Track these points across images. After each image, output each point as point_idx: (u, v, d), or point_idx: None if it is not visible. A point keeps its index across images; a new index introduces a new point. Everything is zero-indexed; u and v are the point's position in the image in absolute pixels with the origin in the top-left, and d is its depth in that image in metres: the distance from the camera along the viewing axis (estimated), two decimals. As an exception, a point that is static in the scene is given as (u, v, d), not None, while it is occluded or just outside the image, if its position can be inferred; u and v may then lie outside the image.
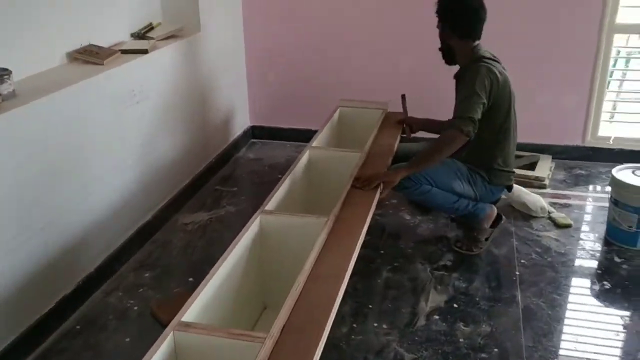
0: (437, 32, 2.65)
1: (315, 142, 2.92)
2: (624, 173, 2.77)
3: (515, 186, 3.15)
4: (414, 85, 3.54)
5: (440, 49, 2.70)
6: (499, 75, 2.52)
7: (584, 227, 2.96)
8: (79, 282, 2.41)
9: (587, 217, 3.07)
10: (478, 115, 2.45)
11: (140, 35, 3.01)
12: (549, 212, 3.06)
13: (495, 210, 2.76)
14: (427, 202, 2.74)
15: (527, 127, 3.83)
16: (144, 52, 2.77)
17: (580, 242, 2.84)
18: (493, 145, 2.65)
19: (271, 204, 2.23)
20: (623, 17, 3.45)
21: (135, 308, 2.41)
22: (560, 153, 3.72)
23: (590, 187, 3.41)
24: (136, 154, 2.76)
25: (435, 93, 3.37)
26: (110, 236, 2.61)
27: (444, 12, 2.58)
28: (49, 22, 2.43)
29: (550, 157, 3.66)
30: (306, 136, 3.28)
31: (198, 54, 3.32)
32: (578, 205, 3.20)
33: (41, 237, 2.18)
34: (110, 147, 2.55)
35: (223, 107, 3.74)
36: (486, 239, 2.74)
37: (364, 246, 2.76)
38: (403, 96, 3.16)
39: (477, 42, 2.61)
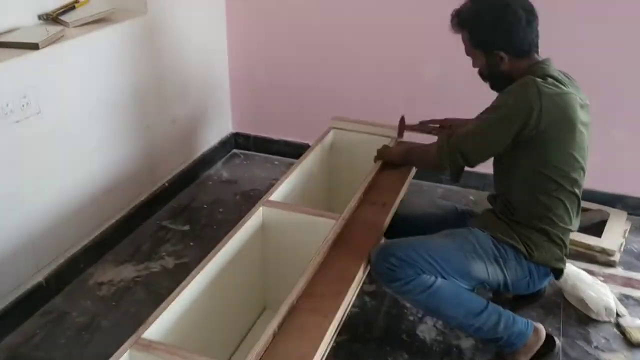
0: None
1: (283, 186, 2.03)
2: None
3: (572, 269, 2.17)
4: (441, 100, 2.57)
5: (487, 78, 1.79)
6: (552, 98, 1.59)
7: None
8: None
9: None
10: (474, 157, 1.71)
11: (51, 18, 2.15)
12: (618, 315, 2.07)
13: (542, 336, 1.78)
14: (433, 311, 1.76)
15: (595, 169, 2.80)
16: (34, 47, 1.90)
17: (665, 379, 1.85)
18: (535, 197, 1.70)
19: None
20: None
21: None
22: (638, 208, 2.68)
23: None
24: (12, 199, 1.92)
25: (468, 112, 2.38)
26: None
27: (482, 32, 1.70)
28: None
29: (625, 213, 2.63)
30: (300, 153, 2.32)
31: (139, 44, 2.41)
32: (664, 302, 2.19)
33: None
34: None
35: (186, 114, 2.85)
36: (521, 374, 1.78)
37: (334, 347, 1.88)
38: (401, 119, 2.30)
39: (537, 58, 1.71)
